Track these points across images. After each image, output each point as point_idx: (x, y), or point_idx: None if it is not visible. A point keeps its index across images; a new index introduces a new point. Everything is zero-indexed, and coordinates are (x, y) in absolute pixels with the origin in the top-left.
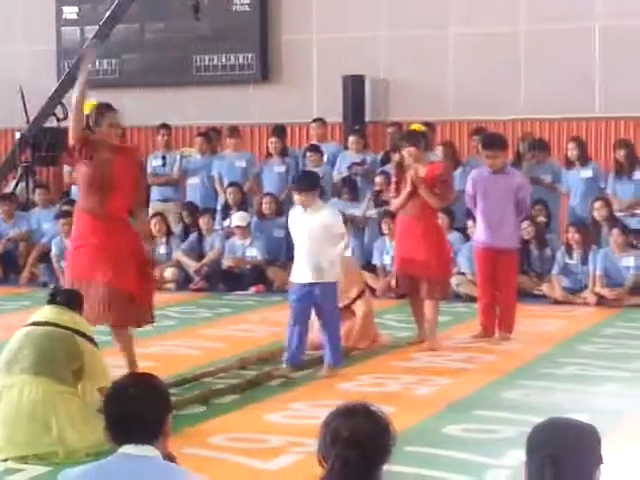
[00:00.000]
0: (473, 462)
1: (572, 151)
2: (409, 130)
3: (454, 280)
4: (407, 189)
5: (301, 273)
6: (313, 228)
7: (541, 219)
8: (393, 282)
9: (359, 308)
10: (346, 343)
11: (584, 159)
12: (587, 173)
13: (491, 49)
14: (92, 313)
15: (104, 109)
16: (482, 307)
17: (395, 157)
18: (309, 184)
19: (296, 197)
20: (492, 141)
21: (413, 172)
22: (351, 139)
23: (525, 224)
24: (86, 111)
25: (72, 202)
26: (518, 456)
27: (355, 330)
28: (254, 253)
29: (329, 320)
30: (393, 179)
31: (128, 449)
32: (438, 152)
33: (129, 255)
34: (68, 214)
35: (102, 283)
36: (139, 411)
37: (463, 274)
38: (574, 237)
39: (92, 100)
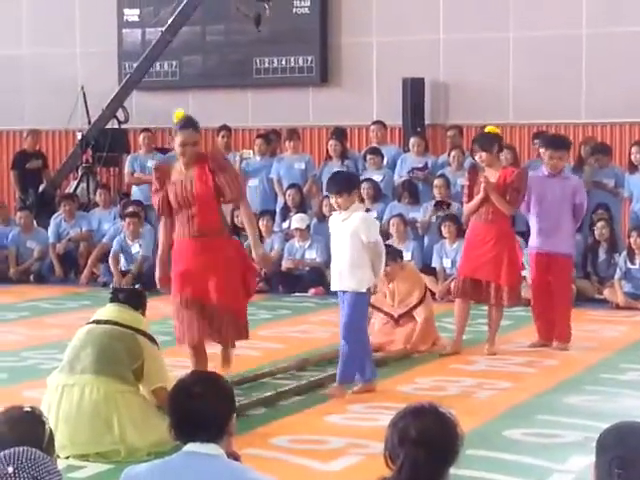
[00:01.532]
0: (536, 466)
1: (636, 155)
2: (483, 133)
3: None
4: (480, 195)
5: (334, 280)
6: (344, 233)
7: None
8: (453, 286)
9: (420, 314)
10: (406, 347)
11: None
12: None
13: (552, 52)
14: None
15: (177, 127)
16: (537, 314)
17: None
18: (343, 185)
19: (331, 199)
20: (558, 141)
21: (485, 179)
22: (412, 141)
23: (600, 224)
24: (174, 121)
25: (134, 203)
26: (581, 461)
27: (415, 334)
28: (313, 255)
29: (348, 332)
30: (466, 183)
31: (193, 447)
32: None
33: (231, 270)
34: (134, 214)
35: (215, 303)
36: (204, 409)
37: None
38: (637, 242)
39: (180, 110)
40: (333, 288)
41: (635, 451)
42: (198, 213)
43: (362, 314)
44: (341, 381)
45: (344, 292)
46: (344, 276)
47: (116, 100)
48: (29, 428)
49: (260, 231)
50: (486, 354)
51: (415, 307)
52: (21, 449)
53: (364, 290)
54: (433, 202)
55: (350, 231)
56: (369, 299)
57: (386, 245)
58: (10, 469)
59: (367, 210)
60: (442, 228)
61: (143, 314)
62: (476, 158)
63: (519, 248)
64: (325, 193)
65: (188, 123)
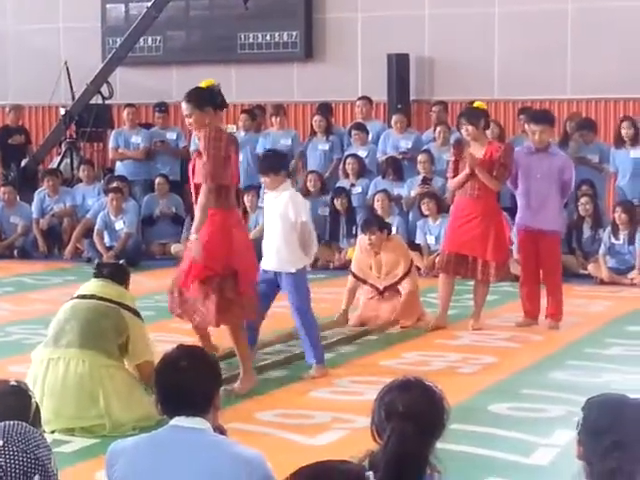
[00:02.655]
0: (521, 440)
1: (627, 130)
2: (470, 107)
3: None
4: (465, 171)
5: (265, 259)
6: (274, 213)
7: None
8: (437, 260)
9: (405, 287)
10: (390, 320)
11: (637, 139)
12: (637, 153)
13: (538, 27)
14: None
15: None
16: (525, 293)
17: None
18: (269, 166)
19: (261, 179)
20: (540, 115)
21: (470, 155)
22: (395, 118)
23: (584, 200)
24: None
25: (118, 178)
26: (566, 435)
27: (399, 305)
28: None
29: (301, 317)
30: (451, 158)
31: (179, 421)
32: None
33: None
34: (117, 190)
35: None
36: (190, 383)
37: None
38: (621, 217)
39: (210, 80)
40: (264, 267)
41: (632, 434)
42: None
43: (305, 296)
44: (318, 361)
45: (277, 273)
46: (275, 256)
47: (100, 76)
48: (15, 402)
49: (245, 207)
50: (471, 329)
51: (401, 280)
52: (11, 423)
53: (294, 270)
54: (419, 178)
55: (280, 211)
56: (306, 279)
57: (373, 215)
58: (0, 442)
59: (352, 185)
60: (422, 206)
61: (126, 289)
62: (462, 132)
63: (506, 224)
64: (310, 169)
65: (185, 96)
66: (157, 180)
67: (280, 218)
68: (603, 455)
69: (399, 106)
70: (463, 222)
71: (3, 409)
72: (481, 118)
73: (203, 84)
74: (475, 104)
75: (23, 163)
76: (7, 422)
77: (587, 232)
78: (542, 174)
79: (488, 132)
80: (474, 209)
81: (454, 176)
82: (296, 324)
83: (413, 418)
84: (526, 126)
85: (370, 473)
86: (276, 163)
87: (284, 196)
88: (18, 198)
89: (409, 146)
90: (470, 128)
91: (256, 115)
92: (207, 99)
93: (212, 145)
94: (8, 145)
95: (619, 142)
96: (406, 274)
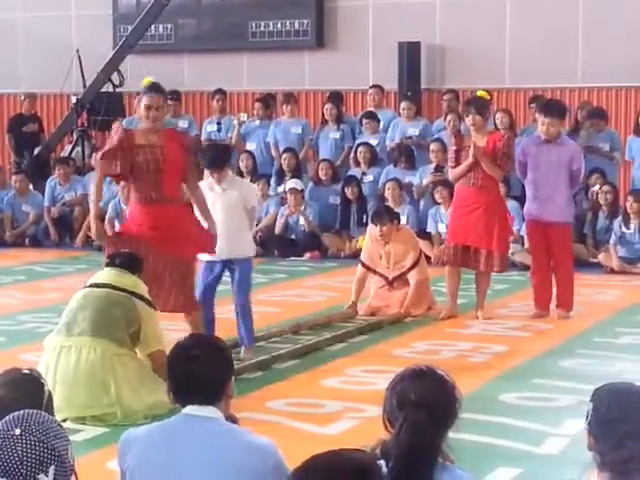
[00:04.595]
0: (531, 430)
1: None
2: (476, 97)
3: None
4: (468, 160)
5: (220, 249)
6: (228, 202)
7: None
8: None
9: (412, 277)
10: (400, 311)
11: None
12: None
13: (549, 15)
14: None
15: (142, 92)
16: (535, 284)
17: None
18: (213, 162)
19: (209, 174)
20: (550, 108)
21: (473, 145)
22: (403, 104)
23: (606, 188)
24: (142, 86)
25: None
26: (576, 425)
27: (408, 297)
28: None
29: (243, 298)
30: (452, 147)
31: (191, 410)
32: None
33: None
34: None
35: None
36: (203, 372)
37: (518, 243)
38: (632, 206)
39: (148, 77)
40: (220, 257)
41: None
42: (164, 179)
43: (249, 280)
44: (251, 343)
45: (230, 260)
46: (234, 243)
47: (111, 64)
48: (29, 390)
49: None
50: (482, 319)
51: (409, 270)
52: (29, 412)
53: (253, 254)
54: (432, 166)
55: (235, 199)
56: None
57: (384, 206)
58: (17, 431)
59: (363, 174)
60: (435, 194)
61: (139, 278)
62: (468, 121)
63: (509, 213)
64: (321, 157)
65: (152, 87)
66: None
67: (236, 206)
68: (616, 445)
69: (409, 93)
70: (466, 212)
71: (16, 397)
72: (487, 108)
73: (144, 80)
74: (479, 93)
75: (36, 151)
76: (25, 411)
77: (602, 221)
78: (551, 164)
79: (497, 121)
80: (477, 199)
81: (455, 166)
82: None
83: (426, 407)
84: (536, 115)
85: (382, 462)
86: (218, 159)
87: (239, 184)
88: (32, 186)
89: (416, 134)
90: (477, 118)
91: (270, 104)
92: None
93: None
94: (22, 133)
95: (638, 130)
96: (414, 265)
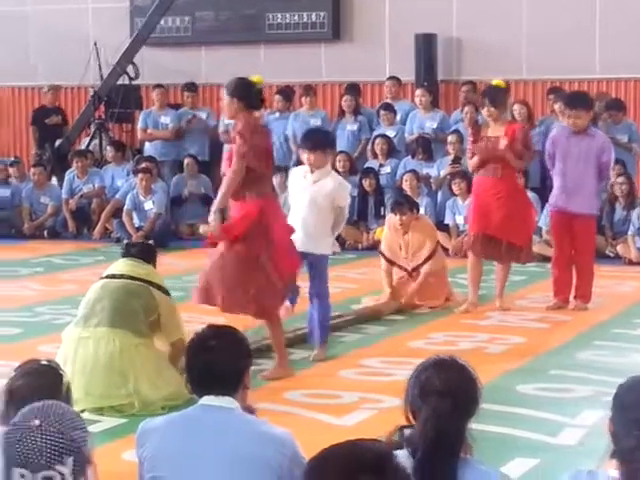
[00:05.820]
0: (548, 420)
1: None
2: (490, 87)
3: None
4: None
5: (298, 240)
6: (315, 197)
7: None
8: (464, 242)
9: (426, 268)
10: (409, 301)
11: None
12: None
13: (566, 6)
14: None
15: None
16: (556, 275)
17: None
18: (318, 142)
19: (305, 156)
20: (575, 100)
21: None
22: (417, 92)
23: (621, 180)
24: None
25: (147, 159)
26: (593, 416)
27: (411, 289)
28: None
29: (326, 296)
30: (469, 139)
31: (209, 400)
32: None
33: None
34: (146, 170)
35: None
36: (221, 362)
37: (536, 234)
38: None
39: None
40: (299, 249)
41: None
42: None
43: (326, 277)
44: (324, 341)
45: (307, 254)
46: (309, 239)
47: (125, 56)
48: (48, 380)
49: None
50: (499, 309)
51: (426, 261)
52: (49, 403)
53: (330, 253)
54: (449, 158)
55: (323, 194)
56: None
57: (404, 195)
58: (37, 422)
59: (380, 166)
60: (452, 186)
61: (154, 268)
62: (484, 112)
63: (531, 204)
64: (339, 149)
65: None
66: (186, 161)
67: (324, 200)
68: (627, 432)
69: (425, 83)
70: (487, 202)
71: (35, 388)
72: (503, 97)
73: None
74: (494, 82)
75: (57, 144)
76: (44, 402)
77: (619, 212)
78: (580, 156)
79: (515, 113)
80: (499, 189)
81: (473, 157)
82: (315, 307)
83: (451, 396)
84: (555, 106)
85: (405, 451)
86: (325, 141)
87: (332, 179)
88: (54, 179)
89: (434, 126)
90: (492, 109)
91: (289, 96)
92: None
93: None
94: (45, 125)
95: None
96: (430, 256)
